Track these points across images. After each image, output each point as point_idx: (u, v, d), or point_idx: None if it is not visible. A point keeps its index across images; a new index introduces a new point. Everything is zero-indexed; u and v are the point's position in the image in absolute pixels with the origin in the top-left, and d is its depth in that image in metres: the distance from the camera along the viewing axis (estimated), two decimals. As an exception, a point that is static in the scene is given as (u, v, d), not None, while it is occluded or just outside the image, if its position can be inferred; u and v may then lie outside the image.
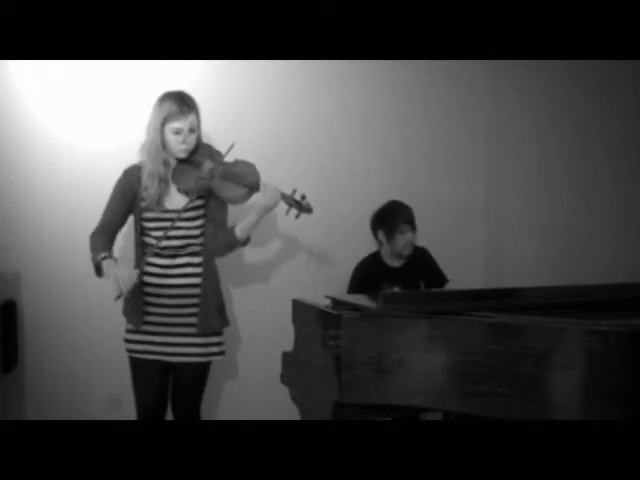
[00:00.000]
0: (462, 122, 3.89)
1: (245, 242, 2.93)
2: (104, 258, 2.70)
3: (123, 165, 2.92)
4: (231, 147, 2.82)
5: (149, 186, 2.81)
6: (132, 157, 2.92)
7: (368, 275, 3.41)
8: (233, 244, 2.92)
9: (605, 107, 3.90)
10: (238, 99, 3.45)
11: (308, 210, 2.92)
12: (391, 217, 3.38)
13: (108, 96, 3.31)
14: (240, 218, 2.90)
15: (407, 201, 3.52)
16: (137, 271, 2.73)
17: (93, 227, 2.89)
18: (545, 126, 3.91)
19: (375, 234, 3.46)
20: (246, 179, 2.84)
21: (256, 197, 2.87)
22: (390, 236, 3.38)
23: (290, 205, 2.90)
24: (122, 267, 2.69)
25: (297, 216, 2.92)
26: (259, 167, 2.90)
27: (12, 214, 3.25)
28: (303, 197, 2.90)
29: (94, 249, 2.77)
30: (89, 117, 3.30)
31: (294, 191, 2.89)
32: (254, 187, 2.84)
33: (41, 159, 3.26)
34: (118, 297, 2.71)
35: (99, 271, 2.73)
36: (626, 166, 3.91)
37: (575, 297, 2.62)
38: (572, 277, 3.17)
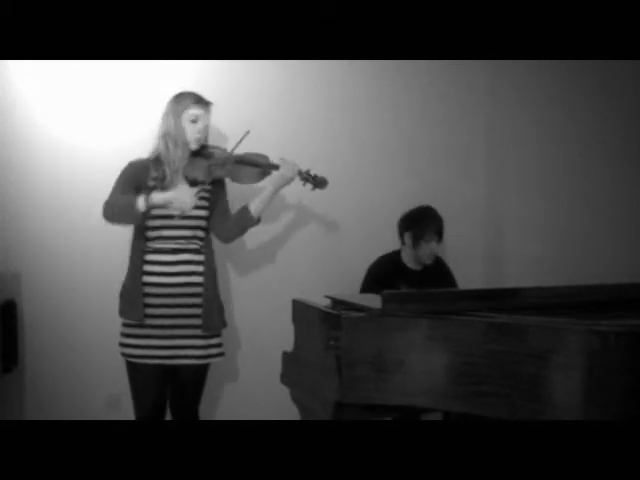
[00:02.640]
0: (462, 122, 3.89)
1: (258, 220, 2.99)
2: (148, 195, 2.74)
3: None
4: (246, 134, 2.91)
5: (172, 172, 2.84)
6: (132, 157, 2.93)
7: (387, 274, 3.37)
8: (247, 223, 2.98)
9: (605, 107, 3.90)
10: (238, 99, 3.45)
11: (323, 183, 3.10)
12: (421, 223, 3.36)
13: (108, 96, 3.31)
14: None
15: (407, 201, 3.52)
16: (194, 190, 2.81)
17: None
18: (545, 126, 3.91)
19: (401, 235, 3.45)
20: (259, 161, 2.99)
21: (269, 178, 3.01)
22: (415, 241, 3.36)
23: (306, 179, 3.07)
24: (179, 190, 2.78)
25: (313, 189, 3.10)
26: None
27: (12, 214, 3.25)
28: (316, 175, 3.08)
29: (123, 200, 2.77)
30: (89, 117, 3.30)
31: (308, 170, 3.07)
32: (267, 167, 2.99)
33: (41, 159, 3.26)
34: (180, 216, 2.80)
35: (141, 214, 2.75)
36: (626, 166, 3.91)
37: (575, 297, 2.62)
38: (572, 277, 3.16)
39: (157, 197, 2.76)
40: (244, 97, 3.48)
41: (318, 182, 3.08)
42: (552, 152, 3.93)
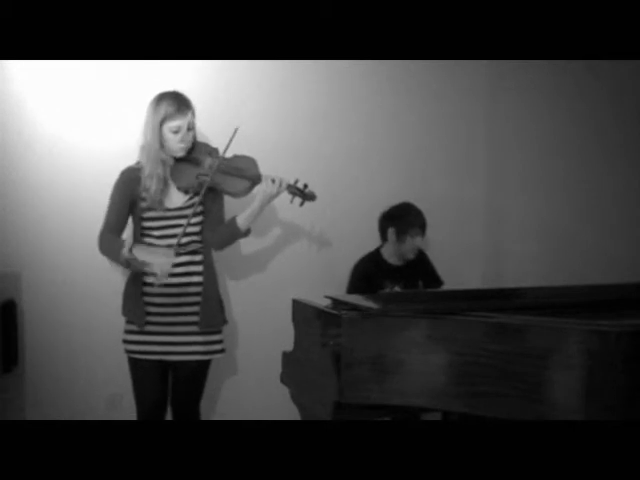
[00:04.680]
0: (462, 123, 3.89)
1: (246, 233, 2.96)
2: (131, 246, 2.73)
3: (123, 165, 2.92)
4: (235, 132, 2.83)
5: (149, 186, 2.82)
6: (133, 157, 2.94)
7: (370, 273, 3.40)
8: (235, 235, 2.95)
9: (605, 107, 3.90)
10: (237, 99, 3.46)
11: (312, 197, 3.02)
12: (406, 218, 3.39)
13: (108, 96, 3.31)
14: (240, 211, 2.94)
15: (408, 201, 3.52)
16: (172, 253, 2.75)
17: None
18: (545, 126, 3.91)
19: (383, 231, 3.46)
20: (247, 172, 2.90)
21: (257, 190, 2.92)
22: (400, 237, 3.38)
23: (294, 194, 2.98)
24: (159, 255, 2.74)
25: (301, 204, 3.01)
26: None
27: (12, 214, 3.25)
28: (305, 186, 2.99)
29: (112, 245, 2.80)
30: (89, 117, 3.31)
31: (296, 181, 2.97)
32: (255, 179, 2.90)
33: (41, 159, 3.26)
34: (154, 283, 2.77)
35: (128, 264, 2.76)
36: (626, 166, 3.91)
37: (575, 297, 2.62)
38: (572, 277, 3.17)
39: (137, 253, 2.72)
40: (244, 97, 3.48)
41: (307, 196, 2.99)
42: (552, 152, 3.92)
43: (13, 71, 3.21)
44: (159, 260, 2.72)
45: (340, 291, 3.34)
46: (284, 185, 2.90)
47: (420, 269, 3.48)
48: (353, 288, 3.39)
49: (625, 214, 3.83)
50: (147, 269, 2.73)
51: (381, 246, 3.49)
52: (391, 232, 3.41)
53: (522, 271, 3.83)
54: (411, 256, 3.42)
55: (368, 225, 3.70)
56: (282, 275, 3.61)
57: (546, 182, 3.92)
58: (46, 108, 3.26)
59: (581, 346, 2.11)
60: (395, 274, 3.42)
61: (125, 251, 2.71)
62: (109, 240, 2.84)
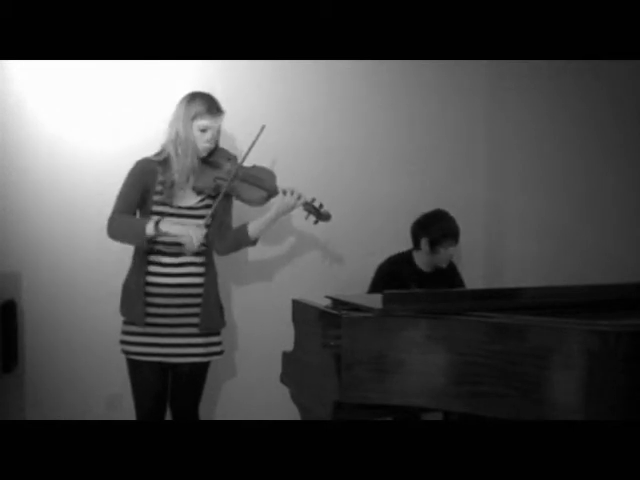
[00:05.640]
0: (463, 123, 3.89)
1: (254, 241, 2.96)
2: (158, 221, 2.71)
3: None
4: (262, 129, 2.86)
5: (180, 181, 2.81)
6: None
7: (397, 274, 3.36)
8: (242, 241, 2.97)
9: (605, 107, 3.90)
10: (237, 99, 3.45)
11: (327, 217, 3.03)
12: (439, 229, 3.33)
13: (109, 96, 3.31)
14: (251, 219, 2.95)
15: (408, 201, 3.52)
16: (202, 225, 2.78)
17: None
18: (545, 126, 3.91)
19: (416, 240, 3.40)
20: (265, 182, 2.91)
21: (274, 201, 2.92)
22: (434, 247, 3.33)
23: (309, 211, 2.99)
24: (190, 226, 2.75)
25: (315, 222, 3.03)
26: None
27: (12, 214, 3.25)
28: (321, 205, 3.00)
29: (131, 223, 2.77)
30: (90, 117, 3.30)
31: (313, 199, 2.98)
32: (272, 191, 2.91)
33: (42, 159, 3.26)
34: (186, 253, 2.79)
35: (150, 241, 2.76)
36: (626, 166, 3.91)
37: (575, 297, 2.62)
38: (572, 277, 3.16)
39: (167, 227, 2.72)
40: (244, 97, 3.48)
41: (322, 215, 3.00)
42: (552, 152, 3.93)
43: (13, 71, 3.21)
44: (191, 231, 2.72)
45: (341, 292, 3.34)
46: (302, 200, 2.91)
47: (448, 278, 3.45)
48: (377, 285, 3.35)
49: (625, 214, 3.83)
50: (181, 240, 2.74)
51: (414, 249, 3.44)
52: (424, 242, 3.36)
53: (522, 271, 3.83)
54: (444, 265, 3.40)
55: (368, 226, 3.70)
56: (282, 276, 3.61)
57: (546, 182, 3.92)
58: (46, 108, 3.26)
59: (581, 346, 2.11)
60: (422, 279, 3.38)
61: (151, 227, 2.70)
62: (125, 220, 2.79)
